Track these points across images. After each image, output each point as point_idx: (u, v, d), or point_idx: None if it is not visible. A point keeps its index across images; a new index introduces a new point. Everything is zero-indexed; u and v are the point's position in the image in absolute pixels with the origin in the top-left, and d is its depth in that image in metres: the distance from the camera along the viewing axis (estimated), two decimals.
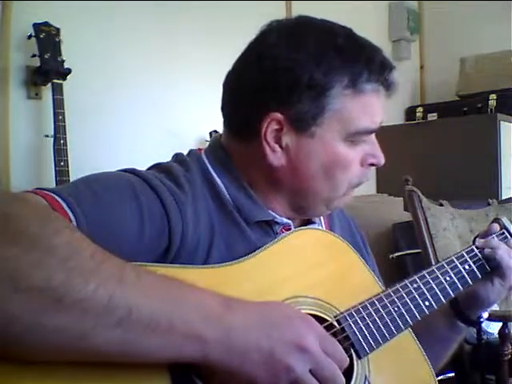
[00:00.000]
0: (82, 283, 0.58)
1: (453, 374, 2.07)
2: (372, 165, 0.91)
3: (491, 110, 3.32)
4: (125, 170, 0.83)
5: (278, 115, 0.84)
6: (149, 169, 0.87)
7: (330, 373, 0.70)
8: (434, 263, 0.94)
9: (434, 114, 3.62)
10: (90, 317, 0.58)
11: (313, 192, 0.89)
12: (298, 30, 0.88)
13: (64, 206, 0.70)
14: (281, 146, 0.86)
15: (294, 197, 0.91)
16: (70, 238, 0.61)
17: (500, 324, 1.86)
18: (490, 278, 0.98)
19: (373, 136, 0.91)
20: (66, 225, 0.64)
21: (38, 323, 0.57)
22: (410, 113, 3.74)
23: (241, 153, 0.90)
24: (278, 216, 0.91)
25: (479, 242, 0.99)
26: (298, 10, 3.12)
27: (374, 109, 0.88)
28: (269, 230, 0.90)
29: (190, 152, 0.93)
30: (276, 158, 0.86)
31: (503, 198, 2.92)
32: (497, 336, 1.89)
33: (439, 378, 0.94)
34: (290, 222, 0.92)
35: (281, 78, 0.84)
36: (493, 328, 2.00)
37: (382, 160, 0.91)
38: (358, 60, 0.85)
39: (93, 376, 0.63)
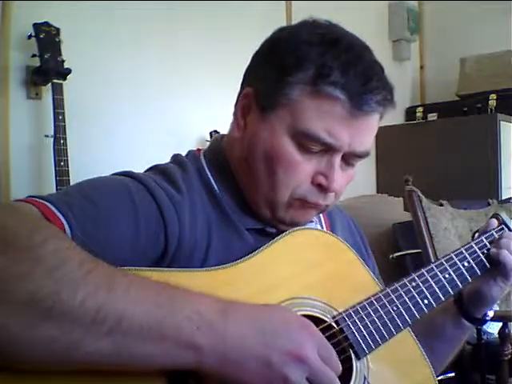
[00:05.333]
0: (70, 294, 0.58)
1: (453, 374, 2.07)
2: (320, 186, 0.84)
3: (491, 109, 3.32)
4: (121, 174, 0.82)
5: (249, 89, 0.87)
6: (146, 171, 0.87)
7: (328, 381, 0.69)
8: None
9: (434, 114, 3.62)
10: (79, 327, 0.58)
11: (255, 183, 0.86)
12: (305, 26, 0.88)
13: (57, 213, 0.69)
14: (245, 122, 0.87)
15: (245, 188, 0.89)
16: (58, 247, 0.61)
17: (500, 324, 1.86)
18: (493, 276, 0.97)
19: (335, 158, 0.83)
20: (54, 233, 0.63)
21: (26, 335, 0.57)
22: (410, 113, 3.74)
23: (232, 147, 0.91)
24: (268, 226, 0.89)
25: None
26: (298, 9, 3.12)
27: (335, 120, 0.80)
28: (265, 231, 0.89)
29: (189, 153, 0.93)
30: (236, 130, 0.88)
31: (503, 197, 2.93)
32: (497, 336, 1.90)
33: (439, 377, 0.94)
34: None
35: (264, 56, 0.88)
36: (493, 328, 2.00)
37: (332, 185, 0.83)
38: (338, 59, 0.80)
39: (89, 379, 0.63)
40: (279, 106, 0.82)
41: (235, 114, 0.90)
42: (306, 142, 0.82)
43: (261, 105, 0.85)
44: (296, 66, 0.81)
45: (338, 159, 0.84)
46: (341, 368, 0.72)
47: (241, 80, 0.93)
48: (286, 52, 0.83)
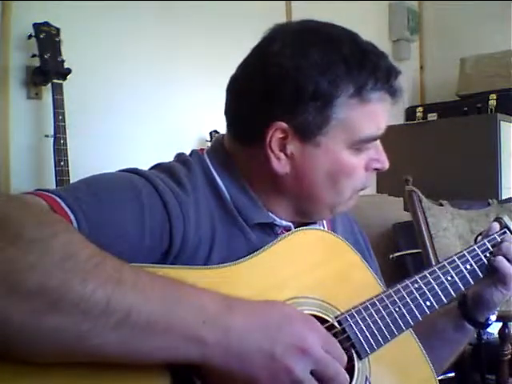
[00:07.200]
0: (80, 285, 0.58)
1: (453, 374, 2.07)
2: (376, 169, 0.91)
3: (491, 110, 3.32)
4: (127, 170, 0.83)
5: (283, 124, 0.84)
6: (151, 169, 0.87)
7: (334, 372, 0.70)
8: (434, 263, 0.94)
9: (434, 114, 3.62)
10: (87, 319, 0.58)
11: (317, 198, 0.89)
12: (302, 37, 0.86)
13: (65, 207, 0.69)
14: (286, 154, 0.86)
15: (297, 202, 0.90)
16: (68, 240, 0.61)
17: (500, 324, 1.86)
18: (493, 281, 0.98)
19: (378, 141, 0.91)
20: (64, 226, 0.64)
21: (34, 325, 0.57)
22: (410, 113, 3.74)
23: (243, 156, 0.90)
24: (277, 219, 0.90)
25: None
26: (298, 9, 3.13)
27: (380, 116, 0.87)
28: (269, 231, 0.90)
29: (192, 152, 0.93)
30: (280, 165, 0.86)
31: (503, 197, 2.92)
32: (497, 336, 1.90)
33: (439, 377, 0.94)
34: (290, 224, 0.92)
35: (286, 88, 0.83)
36: (493, 328, 2.00)
37: (386, 165, 0.91)
38: (364, 68, 0.84)
39: (92, 375, 0.63)
40: (329, 129, 0.84)
41: (264, 148, 0.85)
42: (362, 145, 0.87)
43: (306, 135, 0.85)
44: (333, 91, 0.83)
45: (378, 141, 0.91)
46: (346, 359, 0.73)
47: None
48: (315, 79, 0.82)
